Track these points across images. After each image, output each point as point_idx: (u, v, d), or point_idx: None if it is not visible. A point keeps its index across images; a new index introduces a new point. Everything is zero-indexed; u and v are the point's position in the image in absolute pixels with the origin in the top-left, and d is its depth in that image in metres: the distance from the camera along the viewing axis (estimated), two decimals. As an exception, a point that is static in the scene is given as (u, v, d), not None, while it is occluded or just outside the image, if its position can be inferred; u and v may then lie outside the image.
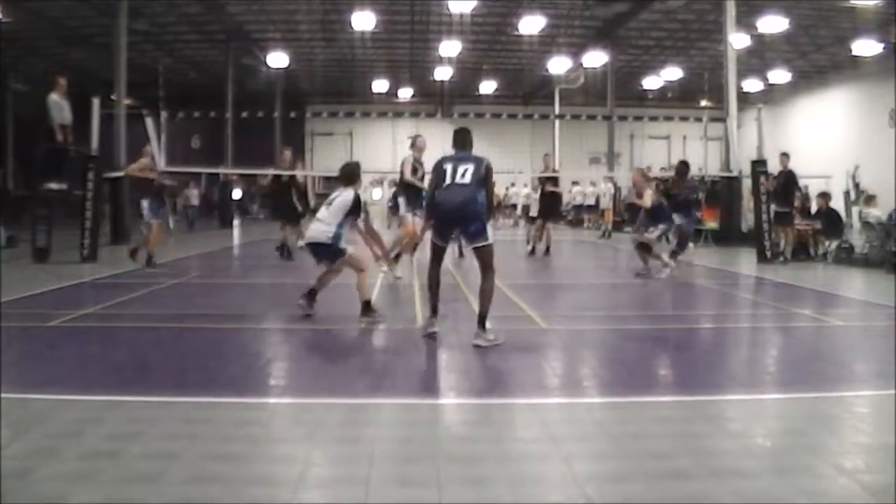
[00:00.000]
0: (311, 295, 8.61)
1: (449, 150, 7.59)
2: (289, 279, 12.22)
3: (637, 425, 4.80)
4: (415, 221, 12.11)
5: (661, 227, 12.77)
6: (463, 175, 7.18)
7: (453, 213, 7.24)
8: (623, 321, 9.17)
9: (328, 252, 8.46)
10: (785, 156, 16.32)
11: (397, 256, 12.33)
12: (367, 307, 8.25)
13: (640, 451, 4.23)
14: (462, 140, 7.65)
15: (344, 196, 8.49)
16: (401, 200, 13.09)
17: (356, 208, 8.42)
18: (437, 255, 7.61)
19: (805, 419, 4.97)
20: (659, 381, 6.29)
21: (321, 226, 8.42)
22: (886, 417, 4.99)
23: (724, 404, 5.35)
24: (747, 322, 9.57)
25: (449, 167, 7.27)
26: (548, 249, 17.32)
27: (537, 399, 5.40)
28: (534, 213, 19.51)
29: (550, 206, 17.93)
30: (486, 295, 7.24)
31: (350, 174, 8.78)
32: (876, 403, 5.38)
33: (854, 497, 3.61)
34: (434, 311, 7.46)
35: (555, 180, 18.20)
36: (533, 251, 17.36)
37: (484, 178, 7.25)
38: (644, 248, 12.80)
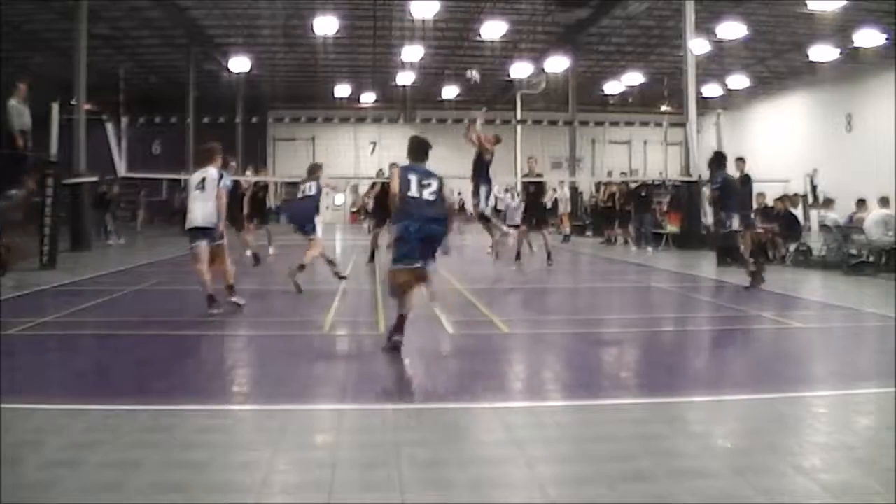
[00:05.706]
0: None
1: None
2: (246, 284, 12.15)
3: (599, 428, 4.84)
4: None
5: None
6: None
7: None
8: (583, 325, 9.22)
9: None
10: (741, 160, 16.36)
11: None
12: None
13: (602, 453, 4.27)
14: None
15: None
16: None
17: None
18: None
19: (764, 419, 5.04)
20: (619, 384, 6.31)
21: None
22: (844, 417, 5.10)
23: (685, 406, 5.41)
24: (707, 324, 9.67)
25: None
26: (549, 256, 15.95)
27: (499, 403, 5.42)
28: (515, 220, 19.15)
29: (539, 210, 16.86)
30: None
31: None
32: (833, 403, 5.49)
33: (812, 496, 3.68)
34: None
35: (540, 184, 17.25)
36: (518, 257, 15.89)
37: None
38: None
